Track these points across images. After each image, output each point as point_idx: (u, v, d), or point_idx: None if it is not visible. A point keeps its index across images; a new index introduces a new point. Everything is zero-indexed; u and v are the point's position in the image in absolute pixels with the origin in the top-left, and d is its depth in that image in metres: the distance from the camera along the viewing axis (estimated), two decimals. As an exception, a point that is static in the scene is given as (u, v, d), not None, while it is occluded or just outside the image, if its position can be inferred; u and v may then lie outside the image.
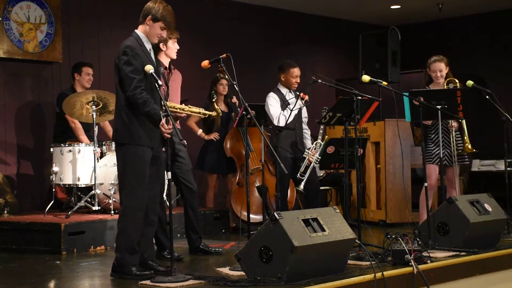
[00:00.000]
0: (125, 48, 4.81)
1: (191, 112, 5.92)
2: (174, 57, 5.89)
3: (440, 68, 6.71)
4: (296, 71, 6.96)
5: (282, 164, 4.97)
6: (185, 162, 5.88)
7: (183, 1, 9.37)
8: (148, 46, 4.96)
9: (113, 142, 7.14)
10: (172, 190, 7.47)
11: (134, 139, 4.83)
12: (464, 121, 6.65)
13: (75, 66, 7.73)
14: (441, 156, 6.18)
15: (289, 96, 6.94)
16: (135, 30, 4.99)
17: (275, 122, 6.62)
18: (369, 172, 8.43)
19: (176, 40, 5.85)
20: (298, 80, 6.98)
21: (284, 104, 6.86)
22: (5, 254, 6.26)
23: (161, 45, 5.79)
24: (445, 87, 6.69)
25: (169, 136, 4.68)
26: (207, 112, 6.06)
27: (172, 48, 5.84)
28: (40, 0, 8.25)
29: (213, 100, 5.96)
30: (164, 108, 4.67)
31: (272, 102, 6.88)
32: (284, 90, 6.95)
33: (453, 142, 6.49)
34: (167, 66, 5.88)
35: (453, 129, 6.58)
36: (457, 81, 6.69)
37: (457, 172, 6.64)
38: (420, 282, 4.93)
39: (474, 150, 6.71)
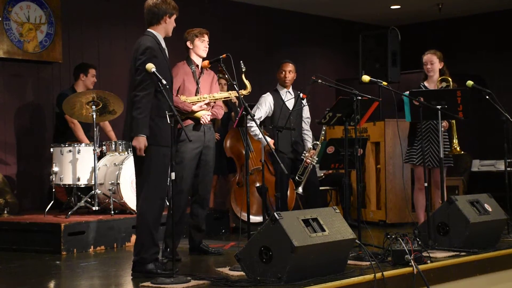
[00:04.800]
0: (145, 49, 4.83)
1: (221, 97, 5.86)
2: (202, 54, 5.90)
3: (431, 60, 6.70)
4: (284, 66, 6.86)
5: (281, 164, 4.97)
6: (213, 159, 5.94)
7: (183, 1, 9.37)
8: (163, 45, 5.01)
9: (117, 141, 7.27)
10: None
11: (156, 139, 4.83)
12: (454, 122, 6.63)
13: (81, 66, 7.71)
14: (441, 156, 6.16)
15: (288, 96, 6.91)
16: (150, 30, 5.00)
17: (250, 122, 6.48)
18: (369, 172, 8.43)
19: (203, 38, 5.87)
20: (288, 75, 6.83)
21: (282, 104, 6.83)
22: (5, 254, 6.26)
23: (188, 43, 5.84)
24: (438, 85, 6.69)
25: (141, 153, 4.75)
26: (236, 93, 5.96)
27: (200, 46, 5.87)
28: (40, 0, 8.25)
29: None
30: (171, 107, 4.70)
31: (261, 105, 6.81)
32: (282, 91, 6.91)
33: (441, 143, 6.38)
34: (198, 65, 5.90)
35: (442, 129, 6.54)
36: (450, 79, 6.68)
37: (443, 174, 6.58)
38: (420, 282, 4.93)
39: (462, 152, 6.69)
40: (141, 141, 4.73)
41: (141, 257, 4.87)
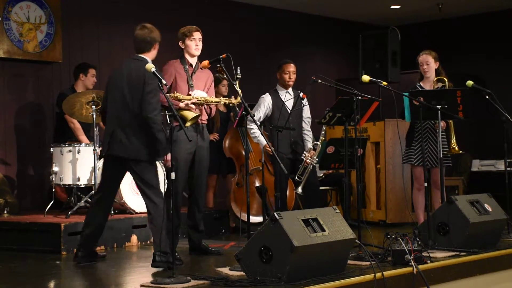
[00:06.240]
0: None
1: (211, 101, 5.79)
2: (195, 53, 5.89)
3: (426, 61, 6.72)
4: (288, 66, 6.77)
5: (281, 164, 4.96)
6: (206, 159, 5.92)
7: (183, 2, 9.38)
8: None
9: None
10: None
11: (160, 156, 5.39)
12: (451, 122, 6.63)
13: (81, 66, 7.71)
14: (440, 156, 6.16)
15: (288, 97, 6.87)
16: (143, 56, 5.35)
17: (251, 124, 6.46)
18: (369, 172, 8.43)
19: (193, 36, 5.85)
20: (292, 76, 6.76)
21: (282, 105, 6.81)
22: (5, 254, 6.26)
23: (180, 43, 5.85)
24: (434, 85, 6.69)
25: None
26: (226, 99, 5.96)
27: (190, 45, 5.86)
28: (40, 0, 8.25)
29: None
30: (170, 107, 4.73)
31: (260, 106, 6.76)
32: (282, 91, 6.87)
33: (439, 143, 6.38)
34: (192, 64, 5.89)
35: (440, 129, 6.53)
36: (446, 79, 6.68)
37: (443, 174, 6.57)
38: (420, 282, 4.93)
39: (460, 151, 6.69)
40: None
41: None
